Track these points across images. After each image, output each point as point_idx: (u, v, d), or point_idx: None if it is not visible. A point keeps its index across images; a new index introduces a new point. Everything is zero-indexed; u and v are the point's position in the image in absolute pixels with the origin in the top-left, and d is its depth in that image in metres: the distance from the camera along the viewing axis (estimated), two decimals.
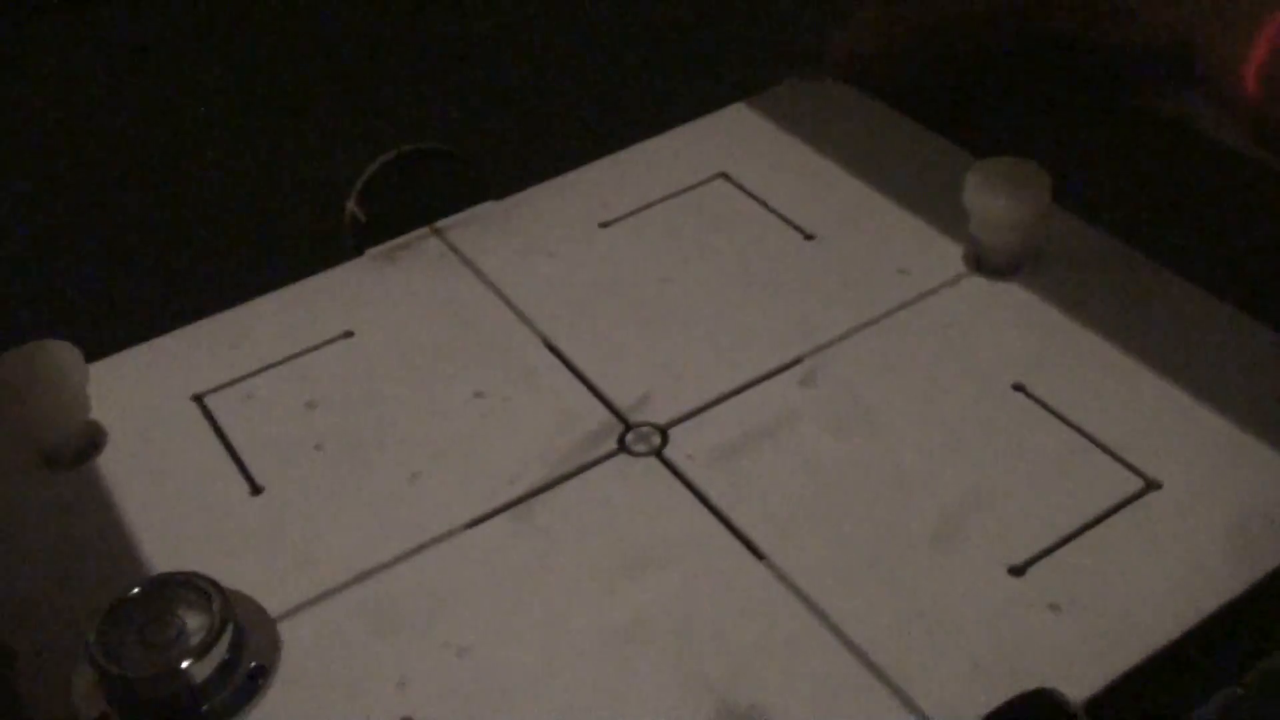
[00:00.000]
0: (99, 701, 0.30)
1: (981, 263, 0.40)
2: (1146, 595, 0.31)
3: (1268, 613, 0.32)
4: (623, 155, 0.47)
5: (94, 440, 0.37)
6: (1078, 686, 0.29)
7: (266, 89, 0.58)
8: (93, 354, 0.38)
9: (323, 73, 0.59)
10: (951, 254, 0.41)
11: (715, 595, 0.32)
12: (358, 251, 0.43)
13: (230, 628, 0.31)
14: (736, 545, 0.33)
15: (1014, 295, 0.40)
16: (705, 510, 0.34)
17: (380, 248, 0.43)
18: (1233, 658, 0.32)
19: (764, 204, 0.44)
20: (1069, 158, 0.41)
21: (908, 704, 0.29)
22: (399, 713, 0.30)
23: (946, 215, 0.42)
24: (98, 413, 0.37)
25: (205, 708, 0.30)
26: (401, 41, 0.61)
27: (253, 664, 0.31)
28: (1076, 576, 0.32)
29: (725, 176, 0.45)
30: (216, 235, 0.50)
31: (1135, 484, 0.34)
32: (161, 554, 0.34)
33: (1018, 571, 0.32)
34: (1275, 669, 0.33)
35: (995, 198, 0.39)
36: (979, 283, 0.40)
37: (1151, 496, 0.33)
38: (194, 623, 0.31)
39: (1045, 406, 0.36)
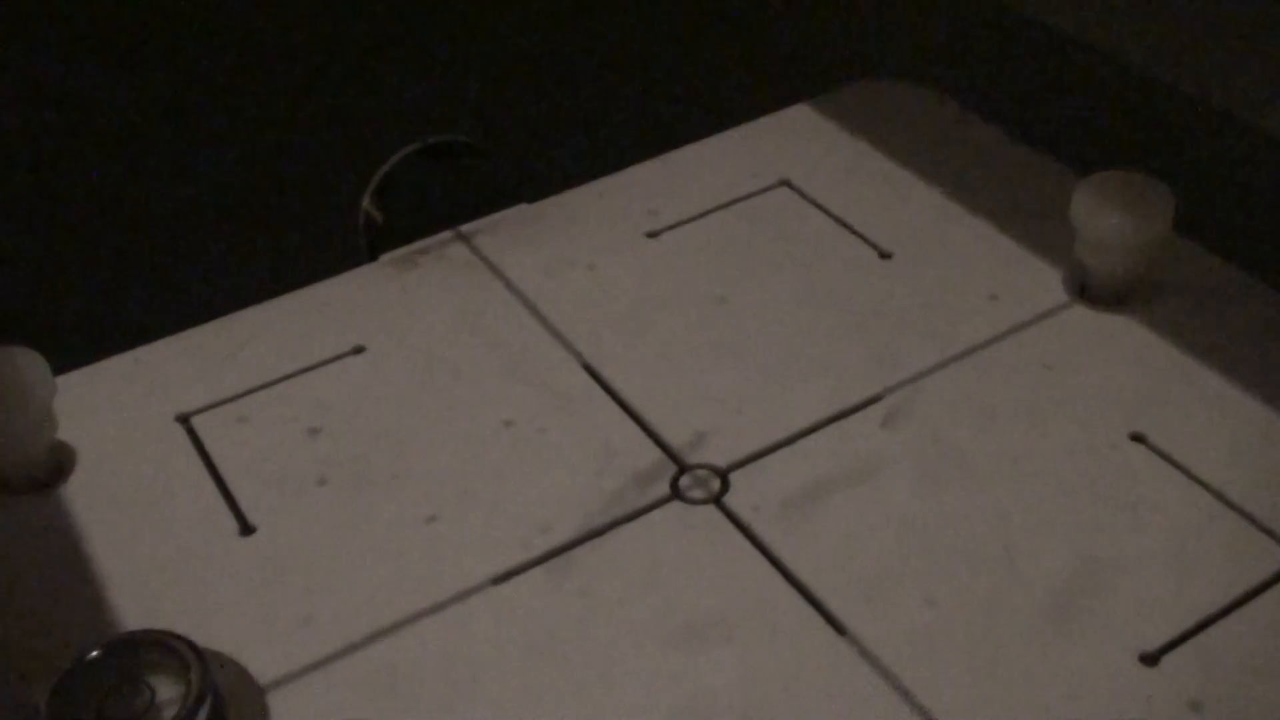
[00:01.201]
0: None
1: (1087, 291, 0.35)
2: None
3: None
4: (673, 156, 0.42)
5: (60, 464, 0.32)
6: None
7: (273, 73, 0.53)
8: (63, 365, 0.33)
9: (337, 56, 0.54)
10: (1050, 279, 0.36)
11: (787, 676, 0.27)
12: (372, 256, 0.38)
13: (209, 701, 0.25)
14: (812, 615, 0.28)
15: (1126, 329, 0.34)
16: (774, 571, 0.29)
17: (398, 252, 0.38)
18: None
19: (833, 216, 0.39)
20: (1185, 178, 0.36)
21: None
22: None
23: (1044, 235, 0.37)
24: (66, 433, 0.32)
25: None
26: (427, 24, 0.56)
27: None
28: (1221, 669, 0.26)
29: (788, 184, 0.40)
30: (213, 235, 0.45)
31: None
32: (132, 605, 0.29)
33: (1150, 660, 0.27)
34: None
35: (1109, 215, 0.34)
36: (1084, 314, 0.35)
37: None
38: (166, 693, 0.26)
39: (1170, 460, 0.31)
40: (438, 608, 0.28)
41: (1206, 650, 0.27)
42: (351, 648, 0.28)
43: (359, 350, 0.35)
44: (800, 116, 0.43)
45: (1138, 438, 0.31)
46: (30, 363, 0.31)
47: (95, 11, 0.51)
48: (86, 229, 0.46)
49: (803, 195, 0.40)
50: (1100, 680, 0.26)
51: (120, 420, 0.33)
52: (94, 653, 0.26)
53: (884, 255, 0.38)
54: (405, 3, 0.59)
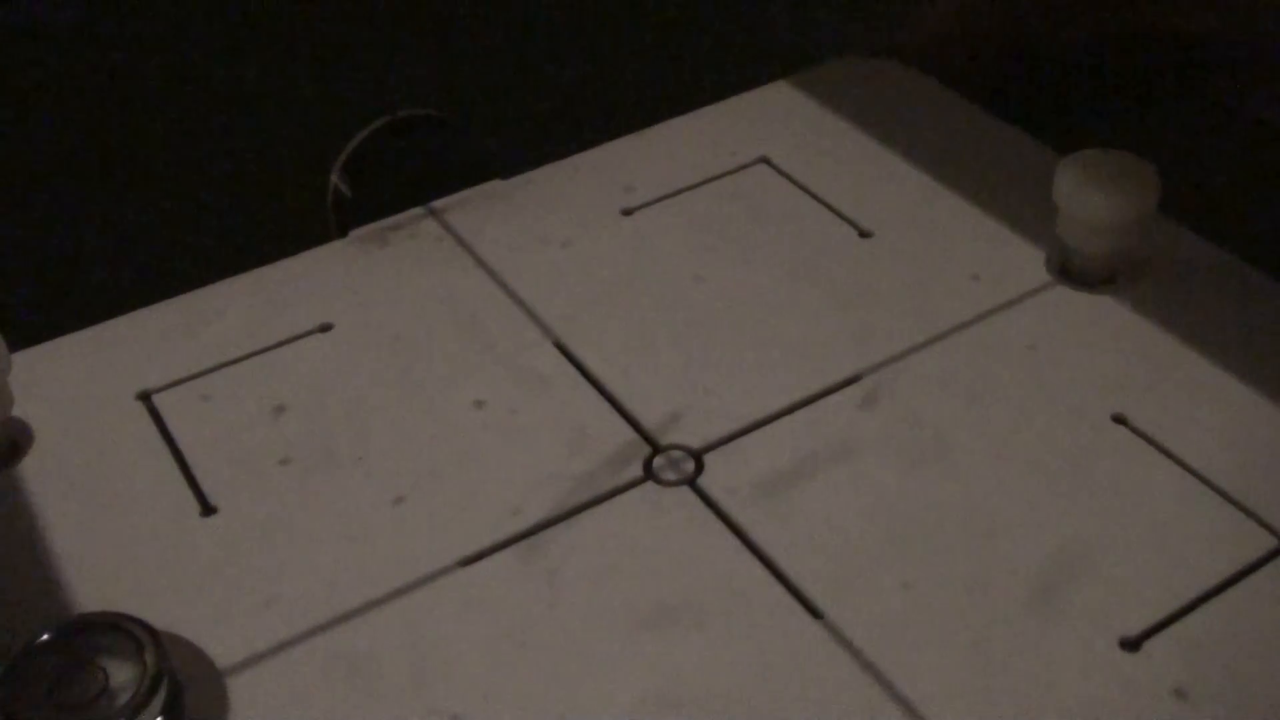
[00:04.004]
0: None
1: (1070, 271, 0.35)
2: None
3: None
4: (649, 133, 0.41)
5: (14, 443, 0.31)
6: None
7: (239, 44, 0.52)
8: (19, 340, 0.32)
9: (304, 27, 0.53)
10: (1033, 259, 0.36)
11: (761, 660, 0.26)
12: (341, 232, 0.38)
13: (165, 684, 0.25)
14: (787, 599, 0.27)
15: (1109, 310, 0.34)
16: (749, 554, 0.28)
17: (367, 228, 0.38)
18: None
19: (812, 194, 0.38)
20: (1166, 158, 0.35)
21: None
22: None
23: (1027, 215, 0.36)
24: (22, 409, 0.31)
25: None
26: None
27: None
28: (1205, 654, 0.26)
29: (767, 161, 0.40)
30: (176, 208, 0.44)
31: (1268, 542, 0.28)
32: (87, 587, 0.28)
33: (1132, 646, 0.26)
34: None
35: (1093, 193, 0.33)
36: (1067, 294, 0.34)
37: None
38: (120, 677, 0.25)
39: (1153, 443, 0.30)
40: (404, 590, 0.28)
41: (1189, 636, 0.26)
42: (315, 630, 0.27)
43: (326, 328, 0.34)
44: (779, 94, 0.43)
45: (1120, 419, 0.31)
46: None
47: None
48: (42, 202, 0.45)
49: (781, 173, 0.39)
50: (1080, 666, 0.26)
51: (79, 397, 0.32)
52: (45, 636, 0.25)
53: (864, 234, 0.37)
54: None
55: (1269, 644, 0.26)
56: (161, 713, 0.25)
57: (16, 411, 0.31)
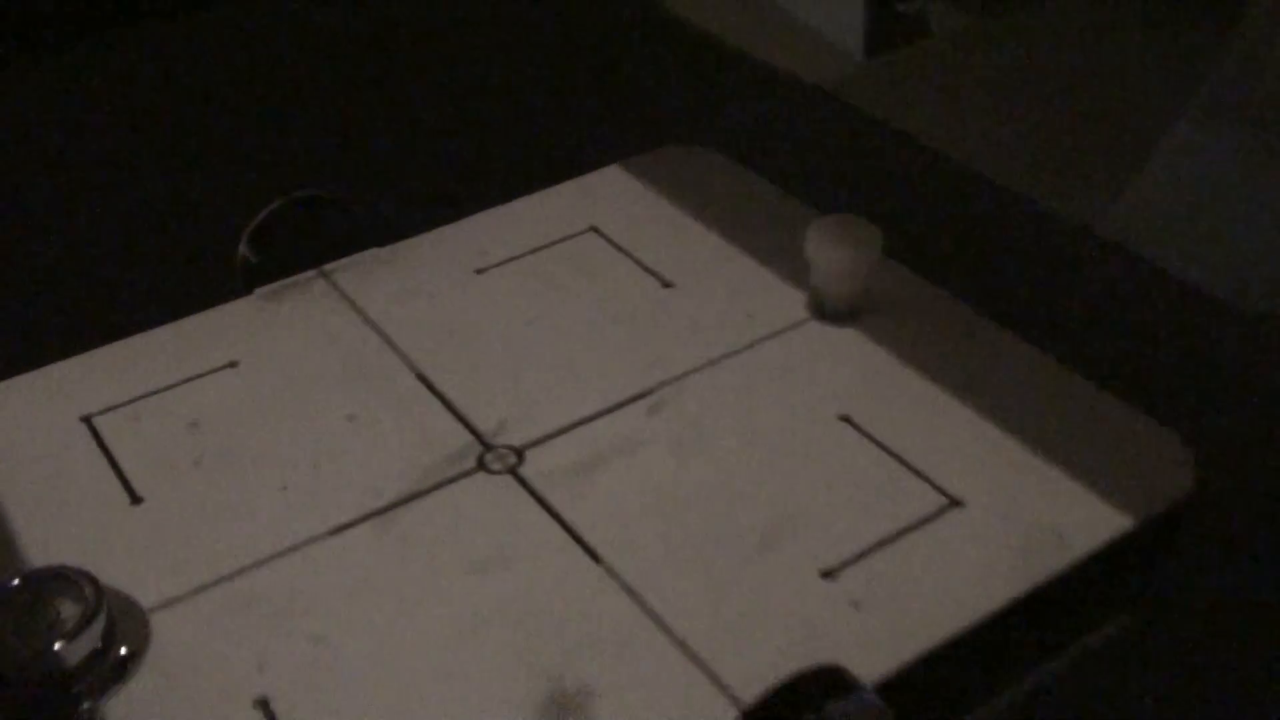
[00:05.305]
0: None
1: (823, 309, 0.44)
2: (943, 596, 0.34)
3: (1053, 611, 0.36)
4: (501, 209, 0.50)
5: None
6: (872, 670, 0.32)
7: (160, 137, 0.62)
8: None
9: (214, 120, 0.63)
10: (796, 301, 0.45)
11: (553, 593, 0.35)
12: (248, 290, 0.46)
13: (102, 615, 0.33)
14: (576, 550, 0.36)
15: (850, 338, 0.43)
16: (552, 521, 0.37)
17: (269, 287, 0.46)
18: (1021, 650, 0.36)
19: (629, 254, 0.48)
20: (899, 215, 0.45)
21: (715, 681, 0.32)
22: (257, 692, 0.32)
23: (795, 266, 0.46)
24: None
25: (76, 689, 0.32)
26: (288, 90, 0.65)
27: (123, 650, 0.33)
28: (880, 580, 0.35)
29: (595, 230, 0.49)
30: (111, 269, 0.53)
31: (940, 501, 0.37)
32: (42, 556, 0.36)
33: (829, 575, 0.35)
34: (1089, 647, 0.36)
35: (830, 250, 0.43)
36: (818, 327, 0.44)
37: (954, 513, 0.37)
38: (68, 611, 0.33)
39: (867, 435, 0.40)
40: (287, 551, 0.36)
41: (871, 568, 0.35)
42: (218, 581, 0.35)
43: (234, 364, 0.43)
44: (612, 175, 0.52)
45: (845, 419, 0.40)
46: None
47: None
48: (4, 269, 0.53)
49: (606, 239, 0.49)
50: (793, 590, 0.35)
51: (31, 420, 0.41)
52: (12, 581, 0.34)
53: (666, 284, 0.46)
54: (286, 75, 0.68)
55: (931, 572, 0.35)
56: (100, 638, 0.33)
57: None
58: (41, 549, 0.36)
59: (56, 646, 0.32)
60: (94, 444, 0.40)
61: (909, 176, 0.57)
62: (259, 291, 0.46)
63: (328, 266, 0.47)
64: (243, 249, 0.47)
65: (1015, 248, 0.52)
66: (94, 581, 0.33)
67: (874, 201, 0.47)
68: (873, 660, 0.32)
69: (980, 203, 0.55)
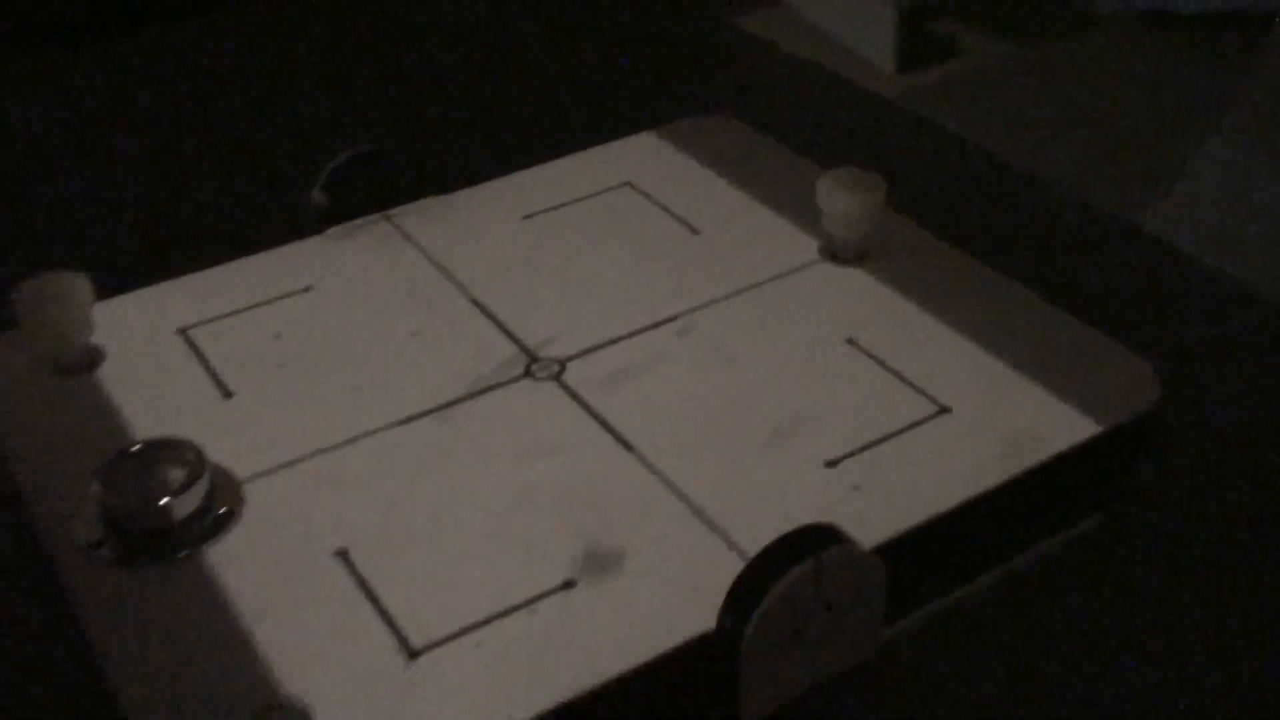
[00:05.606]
0: (98, 529, 0.38)
1: (833, 252, 0.50)
2: (932, 483, 0.40)
3: (1030, 504, 0.41)
4: (545, 166, 0.56)
5: (93, 358, 0.45)
6: (868, 540, 0.37)
7: (248, 102, 0.69)
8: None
9: (291, 85, 0.70)
10: (809, 247, 0.50)
11: (590, 473, 0.40)
12: (321, 230, 0.52)
13: (204, 478, 0.39)
14: (610, 441, 0.41)
15: (857, 277, 0.49)
16: (589, 418, 0.42)
17: (339, 227, 0.52)
18: (1001, 537, 0.41)
19: (662, 206, 0.53)
20: (899, 172, 0.51)
21: (730, 545, 0.37)
22: (336, 544, 0.38)
23: (807, 219, 0.51)
24: (98, 337, 0.46)
25: (181, 538, 0.38)
26: (367, 59, 0.72)
27: (221, 510, 0.39)
28: (877, 469, 0.40)
29: (630, 185, 0.54)
30: (205, 217, 0.60)
31: (931, 408, 0.42)
32: (151, 435, 0.42)
33: (832, 464, 0.40)
34: (1066, 541, 0.42)
35: (838, 196, 0.48)
36: (828, 267, 0.49)
37: (943, 418, 0.42)
38: (175, 474, 0.39)
39: (868, 354, 0.45)
40: (361, 437, 0.42)
41: (868, 459, 0.40)
42: (303, 458, 0.41)
43: (308, 289, 0.49)
44: (645, 140, 0.58)
45: (850, 341, 0.45)
46: (76, 280, 0.45)
47: None
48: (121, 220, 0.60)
49: (641, 193, 0.54)
50: (799, 475, 0.40)
51: (136, 332, 0.46)
52: (133, 447, 0.39)
53: (694, 231, 0.52)
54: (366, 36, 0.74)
55: (923, 463, 0.40)
56: (203, 498, 0.39)
57: (94, 339, 0.45)
58: (151, 433, 0.42)
59: (164, 502, 0.38)
60: (190, 351, 0.46)
61: (937, 163, 0.63)
62: (330, 231, 0.52)
63: (391, 211, 0.53)
64: (316, 195, 0.52)
65: (1049, 234, 0.57)
66: (198, 450, 0.39)
67: (905, 191, 0.52)
68: (868, 532, 0.37)
69: (1014, 193, 0.61)
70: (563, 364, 0.45)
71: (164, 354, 0.46)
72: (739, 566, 0.36)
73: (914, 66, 2.10)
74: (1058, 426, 0.42)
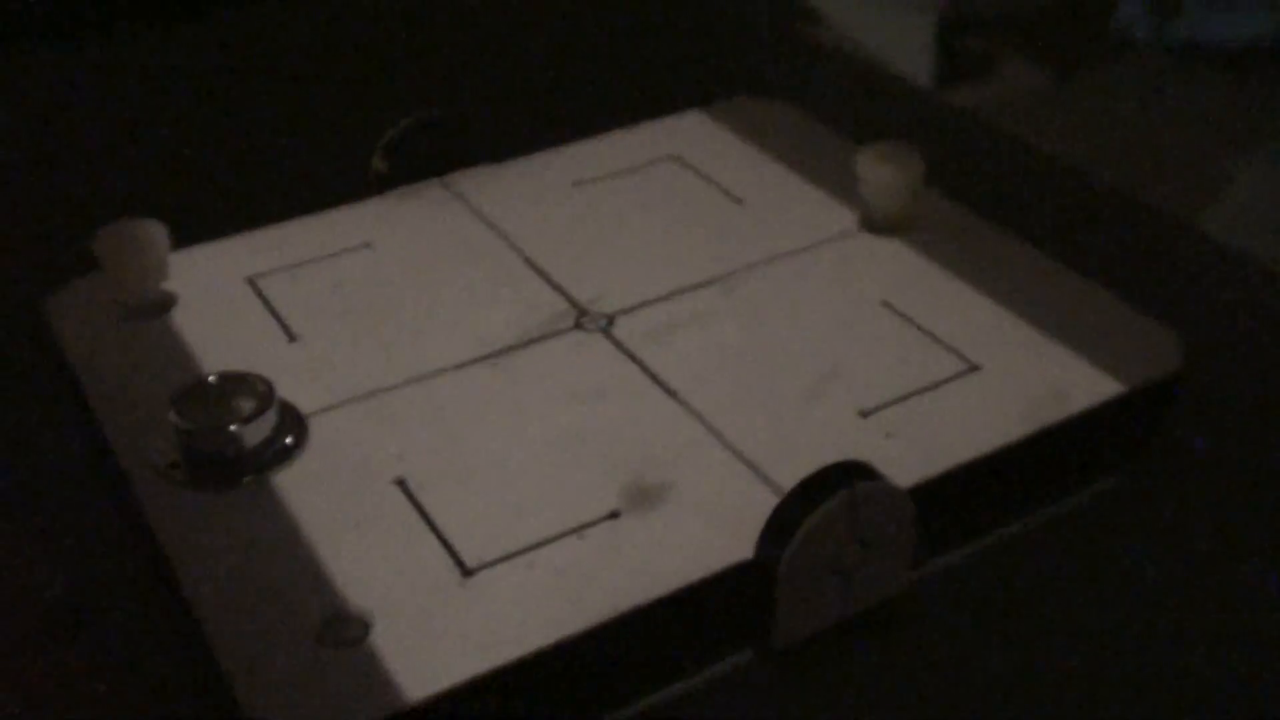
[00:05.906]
0: (171, 452, 0.40)
1: (871, 223, 0.52)
2: (961, 433, 0.41)
3: (1055, 458, 0.43)
4: (595, 139, 0.58)
5: (166, 303, 0.48)
6: (900, 482, 0.39)
7: (311, 78, 0.72)
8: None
9: (350, 51, 0.74)
10: (849, 218, 0.52)
11: (636, 416, 0.42)
12: (380, 193, 0.54)
13: (273, 409, 0.41)
14: (656, 389, 0.43)
15: (894, 247, 0.51)
16: (636, 368, 0.44)
17: (397, 190, 0.54)
18: (1026, 488, 0.43)
19: (707, 178, 0.55)
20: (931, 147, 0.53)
21: (768, 483, 0.39)
22: (396, 474, 0.40)
23: (848, 194, 0.53)
24: (172, 285, 0.48)
25: (250, 464, 0.40)
26: (427, 33, 0.75)
27: (288, 440, 0.41)
28: (909, 420, 0.42)
29: (678, 159, 0.57)
30: (272, 178, 0.63)
31: (961, 366, 0.44)
32: (221, 368, 0.44)
33: (866, 414, 0.42)
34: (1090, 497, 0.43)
35: (877, 169, 0.50)
36: (867, 238, 0.51)
37: (973, 375, 0.44)
38: (246, 404, 0.41)
39: (903, 316, 0.47)
40: (420, 378, 0.44)
41: (901, 410, 0.42)
42: (364, 396, 0.43)
43: (368, 245, 0.51)
44: (692, 116, 0.60)
45: (886, 304, 0.47)
46: (155, 227, 0.47)
47: None
48: (199, 184, 0.63)
49: (688, 166, 0.56)
50: (835, 425, 0.42)
51: (207, 280, 0.49)
52: (208, 378, 0.42)
53: (738, 201, 0.54)
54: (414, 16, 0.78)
55: (953, 415, 0.42)
56: (271, 429, 0.41)
57: (167, 285, 0.48)
58: (220, 365, 0.44)
59: (234, 429, 0.40)
60: (257, 298, 0.48)
61: (976, 150, 0.65)
62: (389, 194, 0.54)
63: (447, 177, 0.55)
64: (376, 160, 0.55)
65: (1087, 220, 0.59)
66: (268, 383, 0.41)
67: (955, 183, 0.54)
68: (900, 476, 0.39)
69: (1054, 182, 0.63)
70: (610, 318, 0.47)
71: (233, 300, 0.48)
72: (775, 502, 0.38)
73: (951, 81, 2.12)
74: (1084, 385, 0.43)
